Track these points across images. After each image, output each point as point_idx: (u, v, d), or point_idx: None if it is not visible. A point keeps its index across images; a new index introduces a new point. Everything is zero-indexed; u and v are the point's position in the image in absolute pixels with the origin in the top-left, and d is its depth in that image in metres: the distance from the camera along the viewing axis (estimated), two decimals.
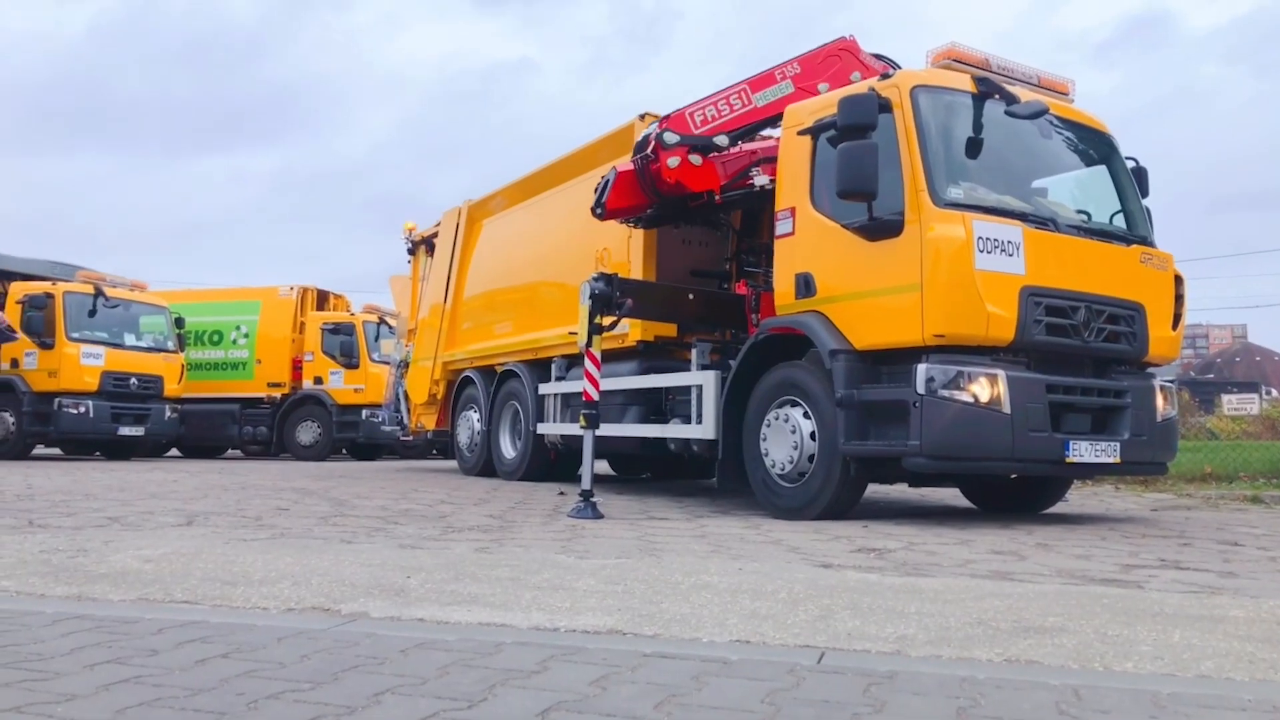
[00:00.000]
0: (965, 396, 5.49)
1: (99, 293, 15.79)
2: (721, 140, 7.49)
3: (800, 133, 6.60)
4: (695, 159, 7.49)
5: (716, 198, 7.75)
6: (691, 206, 7.99)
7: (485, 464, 10.84)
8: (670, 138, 7.41)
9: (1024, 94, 6.23)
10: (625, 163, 7.85)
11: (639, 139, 7.83)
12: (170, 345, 16.73)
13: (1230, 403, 17.56)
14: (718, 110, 7.57)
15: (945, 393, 5.47)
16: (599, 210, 7.87)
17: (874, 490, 8.63)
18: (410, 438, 13.88)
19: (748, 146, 7.79)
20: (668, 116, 7.57)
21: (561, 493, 8.18)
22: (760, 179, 7.53)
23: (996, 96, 6.09)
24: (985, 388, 5.51)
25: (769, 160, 7.49)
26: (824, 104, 6.54)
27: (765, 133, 7.89)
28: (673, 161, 7.43)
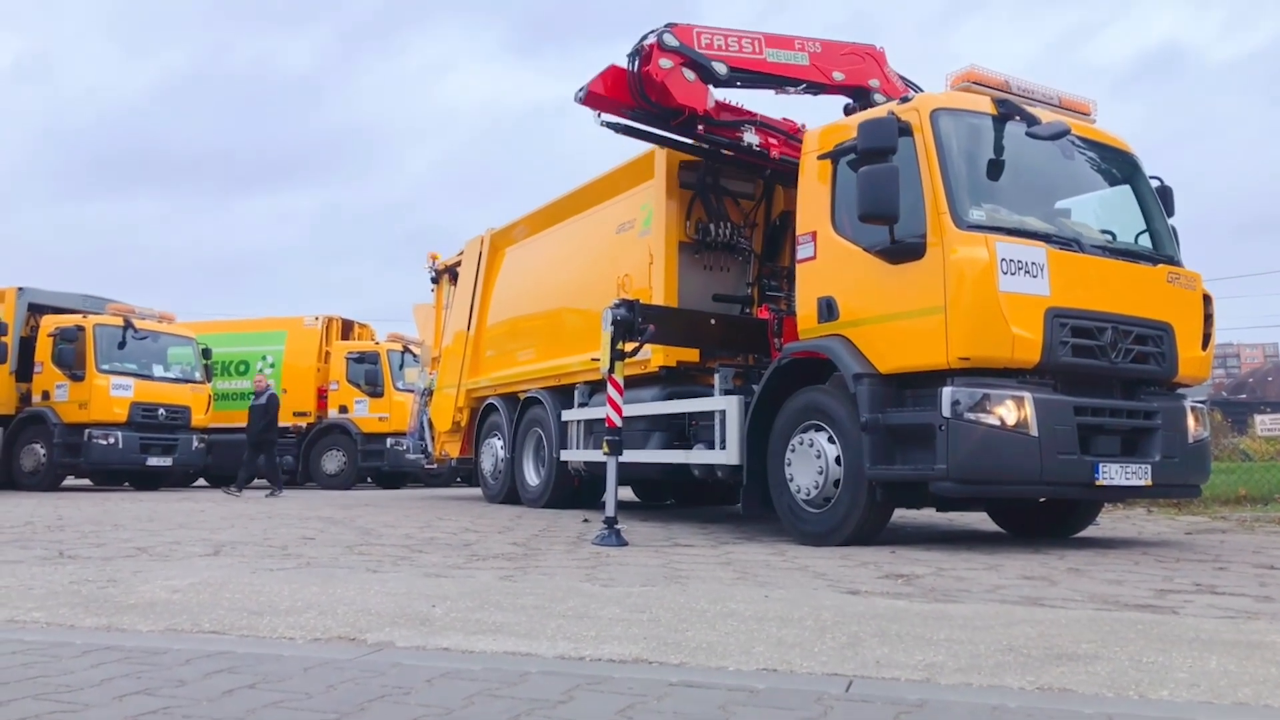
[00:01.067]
0: (992, 419, 5.43)
1: (128, 325, 16.02)
2: (720, 69, 7.38)
3: (820, 157, 6.61)
4: (688, 73, 7.38)
5: (699, 126, 7.64)
6: (671, 125, 7.79)
7: (509, 491, 10.84)
8: (670, 40, 7.31)
9: (1045, 115, 6.20)
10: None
11: (639, 39, 7.64)
12: (198, 376, 16.92)
13: (1264, 423, 17.27)
14: (725, 44, 7.50)
15: (971, 416, 5.42)
16: (580, 94, 7.68)
17: (900, 515, 8.55)
18: (434, 466, 13.93)
19: (745, 107, 7.78)
20: (675, 24, 7.44)
21: (586, 520, 8.16)
22: (751, 137, 7.50)
23: (1017, 118, 6.07)
24: (1012, 410, 5.45)
25: (764, 127, 7.50)
26: (843, 128, 6.56)
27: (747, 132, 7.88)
28: (665, 63, 7.31)
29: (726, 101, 7.79)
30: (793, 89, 7.68)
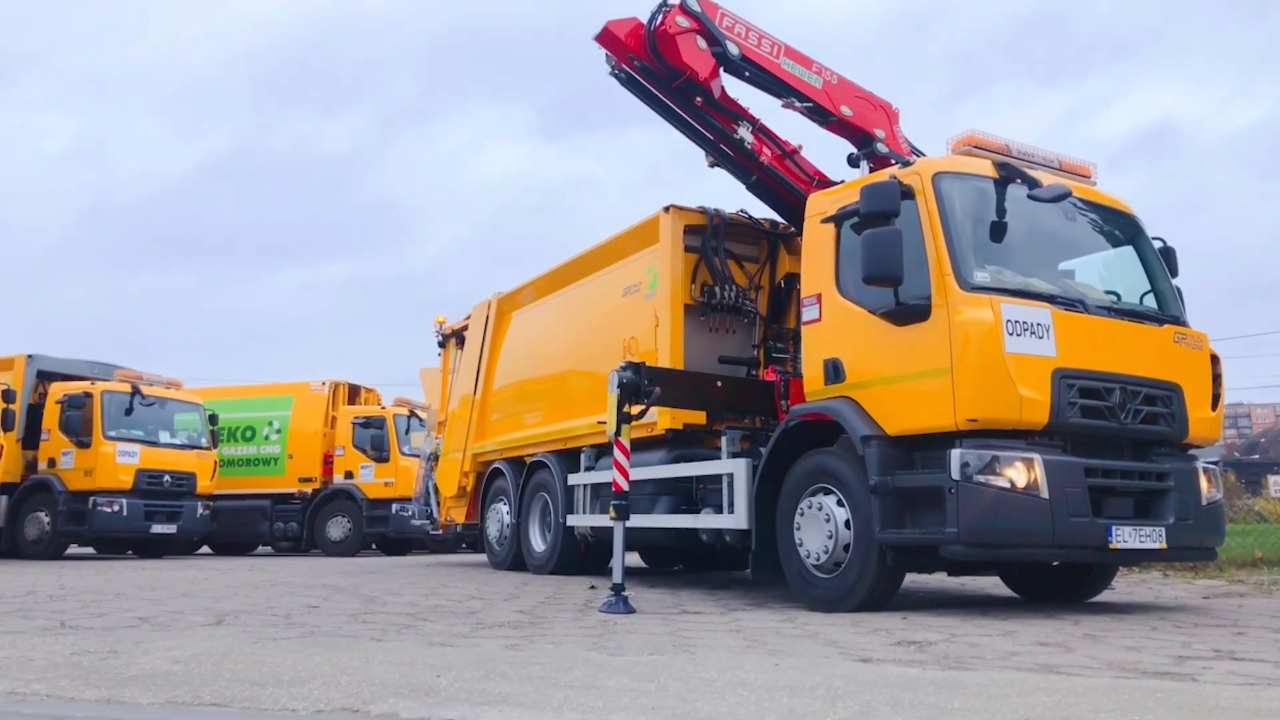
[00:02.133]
0: (1002, 481, 5.38)
1: (136, 391, 16.06)
2: (732, 49, 7.57)
3: (824, 220, 6.67)
4: (700, 41, 7.56)
5: (698, 99, 7.74)
6: (673, 87, 7.83)
7: (515, 557, 10.73)
8: (693, 4, 7.53)
9: (1045, 178, 6.27)
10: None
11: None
12: (204, 442, 16.91)
13: (1277, 484, 17.08)
14: (746, 34, 7.71)
15: (981, 478, 5.37)
16: (599, 32, 7.84)
17: (912, 580, 8.43)
18: (440, 532, 13.80)
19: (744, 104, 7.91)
20: (707, 1, 7.66)
21: (592, 586, 8.05)
22: (745, 134, 7.64)
23: (1018, 181, 6.14)
24: (1022, 472, 5.41)
25: (762, 133, 7.71)
26: (846, 192, 6.63)
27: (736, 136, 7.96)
28: (682, 21, 7.49)
29: (732, 98, 7.87)
30: (798, 103, 7.80)
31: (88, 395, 15.63)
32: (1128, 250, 6.76)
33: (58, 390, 15.92)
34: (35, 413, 15.92)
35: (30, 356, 16.25)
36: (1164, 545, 5.79)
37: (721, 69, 7.76)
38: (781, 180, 7.95)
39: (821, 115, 7.85)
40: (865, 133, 7.83)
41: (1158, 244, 6.82)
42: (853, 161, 7.85)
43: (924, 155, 7.40)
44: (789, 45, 7.78)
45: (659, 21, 7.61)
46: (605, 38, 7.85)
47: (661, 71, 7.80)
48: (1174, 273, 6.81)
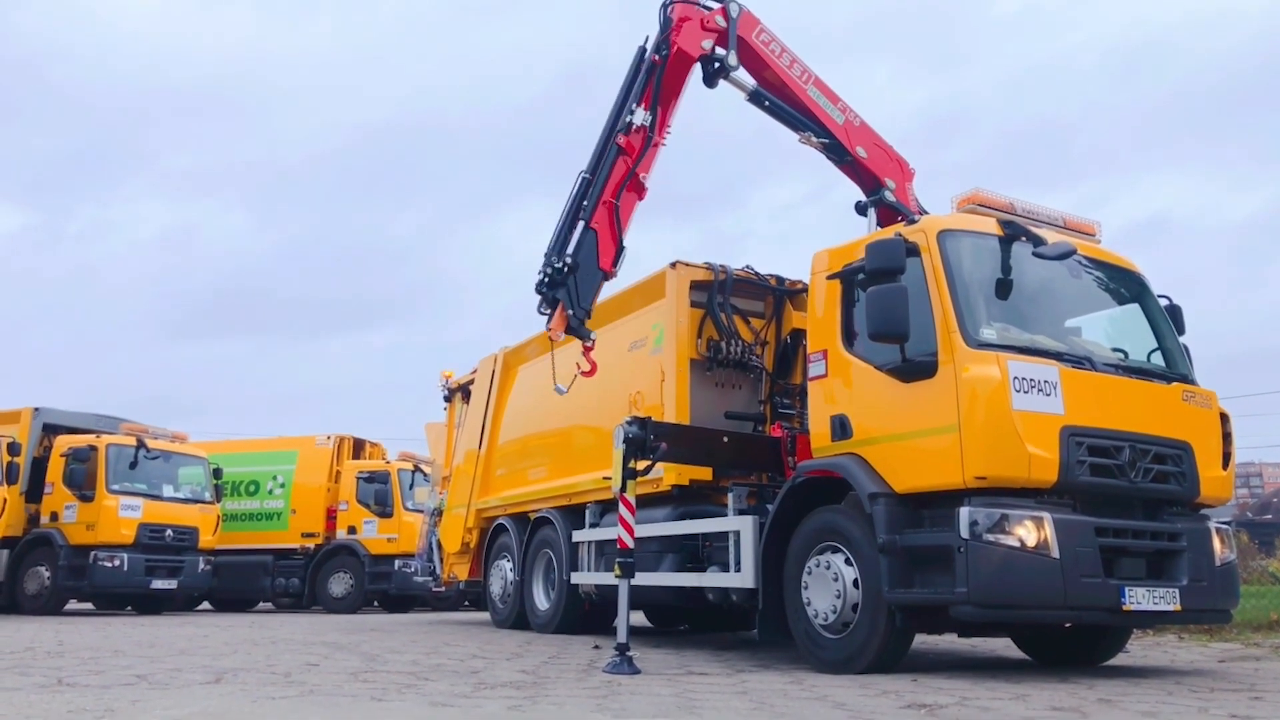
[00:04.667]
0: (1011, 540, 5.32)
1: (141, 444, 16.03)
2: (731, 60, 7.84)
3: (829, 277, 6.70)
4: (707, 42, 7.85)
5: (679, 73, 7.94)
6: (675, 85, 8.05)
7: (518, 615, 10.59)
8: (734, 11, 7.89)
9: (1050, 235, 6.30)
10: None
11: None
12: (207, 496, 16.83)
13: None
14: (780, 52, 7.97)
15: (990, 537, 5.31)
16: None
17: (921, 641, 8.29)
18: (442, 589, 13.66)
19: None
20: (749, 11, 8.00)
21: (597, 646, 7.93)
22: (643, 116, 7.85)
23: (1023, 239, 6.17)
24: (1032, 531, 5.34)
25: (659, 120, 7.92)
26: (851, 249, 6.66)
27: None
28: (700, 32, 7.81)
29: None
30: (815, 139, 7.89)
31: (92, 448, 15.60)
32: (1134, 308, 6.76)
33: (63, 443, 15.90)
34: (40, 466, 15.89)
35: (36, 409, 16.25)
36: (1178, 607, 5.69)
37: (712, 72, 7.99)
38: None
39: (838, 153, 7.95)
40: (877, 180, 7.91)
41: (1164, 302, 6.82)
42: (860, 209, 7.91)
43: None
44: (819, 77, 7.94)
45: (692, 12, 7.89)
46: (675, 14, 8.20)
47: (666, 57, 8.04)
48: (1180, 330, 6.80)
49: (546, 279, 7.71)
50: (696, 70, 8.05)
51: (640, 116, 7.88)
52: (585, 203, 7.86)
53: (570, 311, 7.75)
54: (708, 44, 7.91)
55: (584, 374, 8.08)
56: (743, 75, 8.08)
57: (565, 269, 7.67)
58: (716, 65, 7.98)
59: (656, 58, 7.91)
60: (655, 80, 7.90)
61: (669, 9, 7.95)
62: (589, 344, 7.96)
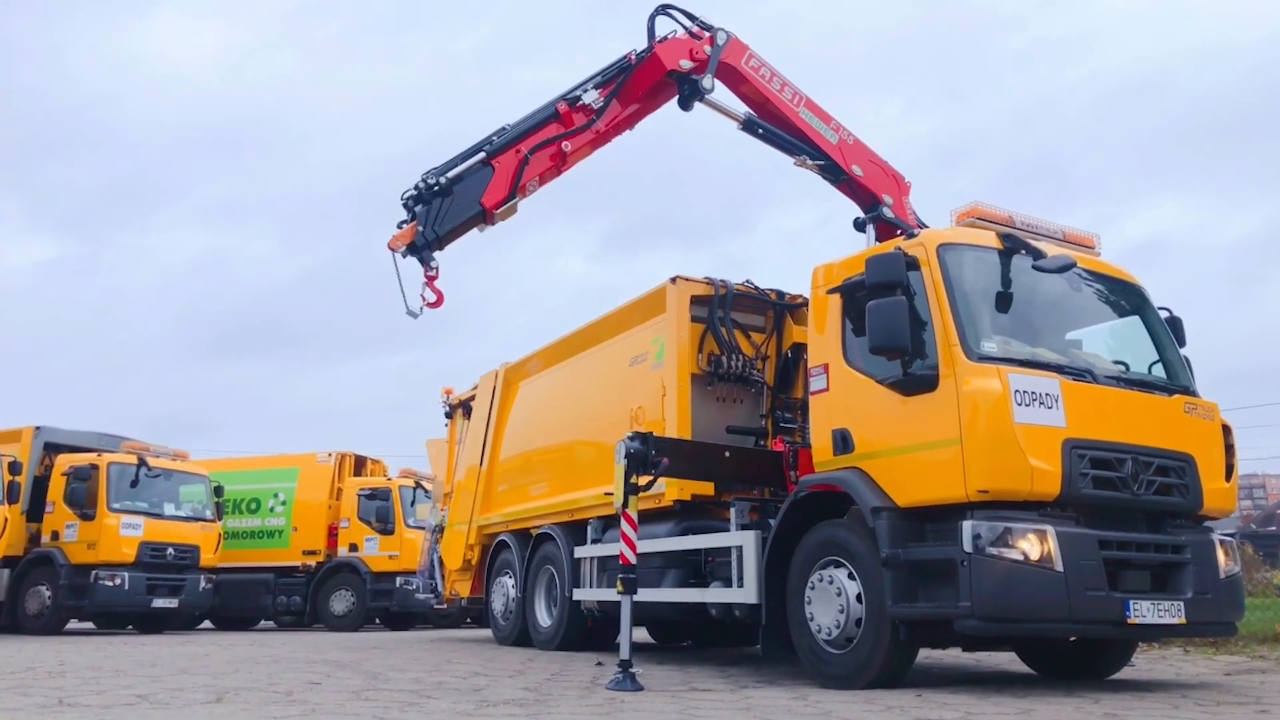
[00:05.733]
0: (1014, 554, 5.30)
1: (142, 463, 16.01)
2: (706, 83, 7.91)
3: (829, 291, 6.70)
4: (686, 63, 7.91)
5: (648, 78, 8.01)
6: (640, 89, 8.09)
7: (520, 632, 10.55)
8: (721, 39, 7.98)
9: (1050, 249, 6.31)
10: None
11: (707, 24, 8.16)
12: (208, 514, 16.80)
13: None
14: (770, 76, 8.00)
15: (993, 550, 5.29)
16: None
17: (926, 655, 8.25)
18: (444, 606, 13.61)
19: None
20: (738, 38, 8.04)
21: (599, 663, 7.90)
22: (590, 96, 7.98)
23: (1023, 252, 6.18)
24: (1035, 544, 5.33)
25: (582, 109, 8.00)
26: (851, 263, 6.67)
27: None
28: (687, 55, 7.91)
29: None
30: (811, 161, 7.91)
31: (94, 467, 15.58)
32: (1134, 320, 6.76)
33: (64, 462, 15.88)
34: (41, 485, 15.87)
35: (38, 428, 16.25)
36: (1183, 620, 5.67)
37: (687, 95, 8.07)
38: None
39: (833, 173, 7.99)
40: (874, 196, 7.94)
41: (1164, 314, 6.83)
42: (859, 225, 7.93)
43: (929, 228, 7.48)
44: (810, 98, 7.98)
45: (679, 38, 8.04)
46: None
47: (642, 65, 8.20)
48: (1181, 342, 6.80)
49: (416, 192, 7.57)
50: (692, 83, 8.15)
51: (591, 97, 7.98)
52: (495, 140, 7.80)
53: (421, 228, 7.55)
54: (686, 64, 7.98)
55: (429, 305, 7.88)
56: (733, 105, 8.14)
57: (437, 187, 7.52)
58: (690, 89, 8.03)
59: (633, 57, 8.00)
60: (623, 76, 7.98)
61: (656, 19, 8.04)
62: (431, 272, 7.77)
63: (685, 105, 8.24)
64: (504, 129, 7.98)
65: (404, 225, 7.73)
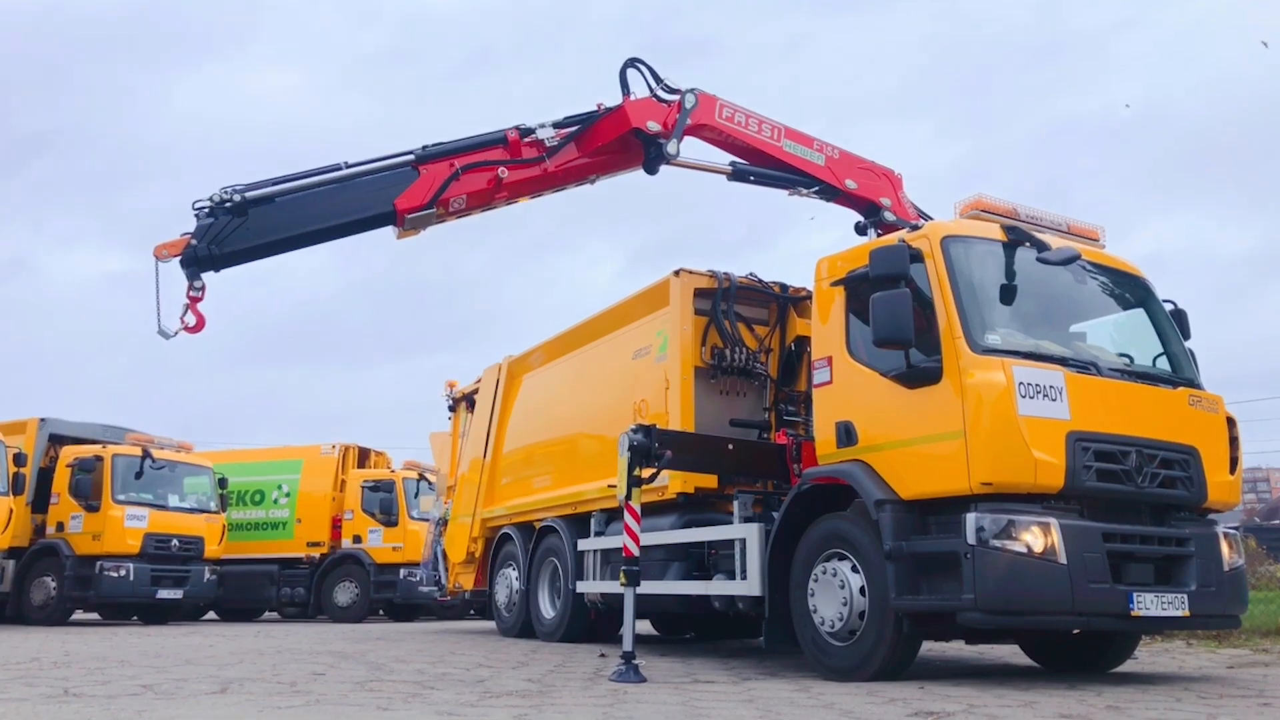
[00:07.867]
0: (1018, 546, 5.29)
1: (146, 455, 16.04)
2: (671, 149, 7.76)
3: (833, 284, 6.69)
4: (654, 125, 7.77)
5: (610, 130, 7.90)
6: (601, 139, 7.97)
7: (524, 624, 10.57)
8: (690, 101, 7.80)
9: (1054, 241, 6.29)
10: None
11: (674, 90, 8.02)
12: (213, 505, 16.83)
13: None
14: (745, 121, 7.81)
15: (997, 543, 5.29)
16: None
17: (929, 648, 8.26)
18: (448, 598, 13.64)
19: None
20: (705, 93, 7.82)
21: (602, 654, 7.91)
22: (546, 133, 7.81)
23: (1027, 244, 6.16)
24: (1039, 537, 5.32)
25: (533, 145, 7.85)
26: (855, 255, 6.66)
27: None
28: (654, 119, 7.73)
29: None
30: (805, 190, 7.86)
31: (98, 459, 15.61)
32: (1139, 313, 6.74)
33: (69, 454, 15.92)
34: (46, 476, 15.90)
35: (43, 420, 16.29)
36: (1187, 613, 5.66)
37: (653, 157, 7.94)
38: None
39: (828, 193, 7.95)
40: (872, 202, 7.92)
41: (1169, 306, 6.80)
42: (860, 230, 7.91)
43: (930, 218, 7.47)
44: (789, 127, 7.91)
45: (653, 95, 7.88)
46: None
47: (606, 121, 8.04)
48: (1186, 335, 6.78)
49: (210, 204, 6.91)
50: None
51: (547, 133, 7.79)
52: (427, 148, 7.50)
53: (195, 241, 6.89)
54: (654, 126, 7.81)
55: (188, 329, 7.24)
56: (713, 156, 8.05)
57: (229, 204, 6.84)
58: (656, 153, 7.90)
59: (600, 106, 7.90)
60: (586, 121, 7.85)
61: (628, 71, 7.90)
62: (195, 294, 7.11)
63: (651, 169, 8.01)
64: (339, 165, 7.47)
65: (186, 234, 7.12)
